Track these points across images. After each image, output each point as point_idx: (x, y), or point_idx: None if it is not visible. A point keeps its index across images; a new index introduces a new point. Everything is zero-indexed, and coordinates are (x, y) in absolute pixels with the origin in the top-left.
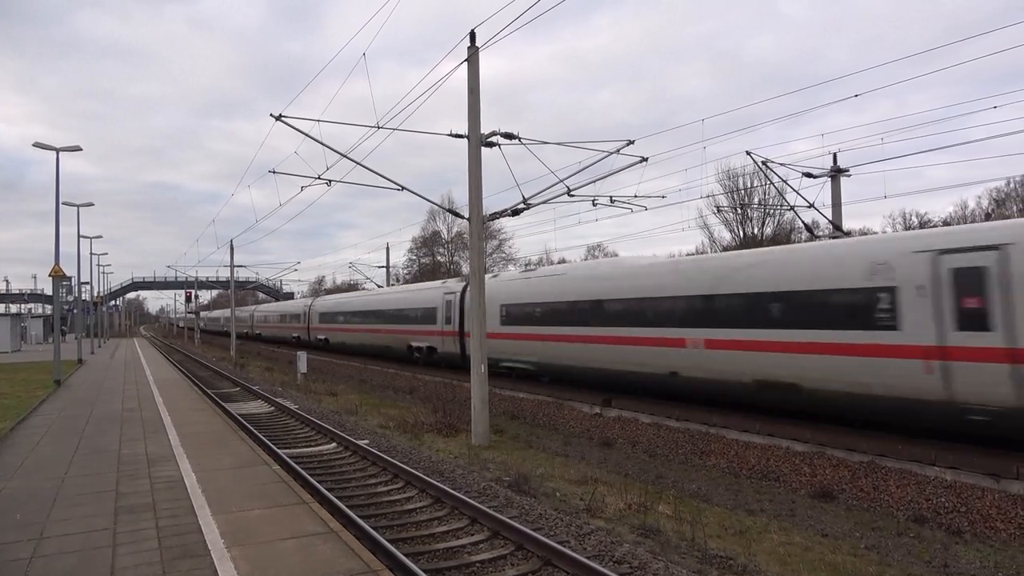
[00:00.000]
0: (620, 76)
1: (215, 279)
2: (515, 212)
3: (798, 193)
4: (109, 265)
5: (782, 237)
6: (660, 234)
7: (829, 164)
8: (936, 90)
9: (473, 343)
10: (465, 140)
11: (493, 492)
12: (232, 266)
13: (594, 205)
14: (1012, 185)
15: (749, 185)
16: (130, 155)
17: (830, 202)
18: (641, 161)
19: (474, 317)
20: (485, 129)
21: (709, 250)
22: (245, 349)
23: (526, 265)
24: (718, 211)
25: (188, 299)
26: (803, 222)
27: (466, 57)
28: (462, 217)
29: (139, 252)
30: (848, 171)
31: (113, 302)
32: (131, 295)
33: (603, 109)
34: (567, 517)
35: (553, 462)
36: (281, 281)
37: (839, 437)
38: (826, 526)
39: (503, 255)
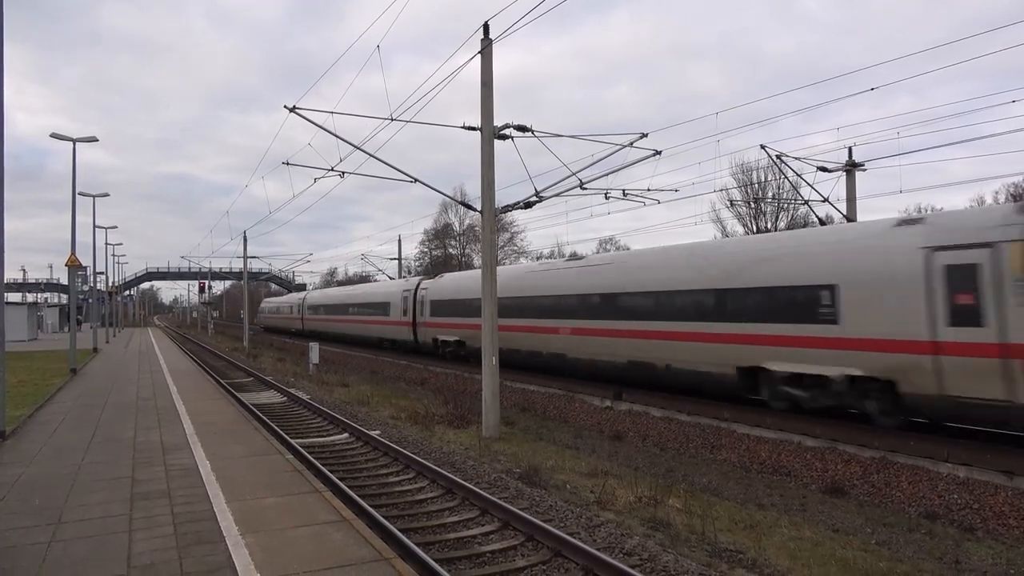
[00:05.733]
0: (636, 72)
1: (228, 270)
2: (527, 205)
3: (812, 187)
4: (124, 256)
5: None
6: (673, 228)
7: (845, 158)
8: (958, 84)
9: (484, 336)
10: (478, 133)
11: (503, 484)
12: (245, 257)
13: (607, 198)
14: None
15: (763, 179)
16: (146, 147)
17: (845, 196)
18: (654, 155)
19: (485, 308)
20: (498, 122)
21: None
22: (258, 340)
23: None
24: (731, 205)
25: (201, 289)
26: (817, 216)
27: (480, 50)
28: (474, 209)
29: (153, 243)
30: (863, 165)
31: (128, 292)
32: (145, 285)
33: (618, 105)
34: (577, 509)
35: (563, 455)
36: (293, 273)
37: (851, 433)
38: (837, 521)
39: (515, 248)
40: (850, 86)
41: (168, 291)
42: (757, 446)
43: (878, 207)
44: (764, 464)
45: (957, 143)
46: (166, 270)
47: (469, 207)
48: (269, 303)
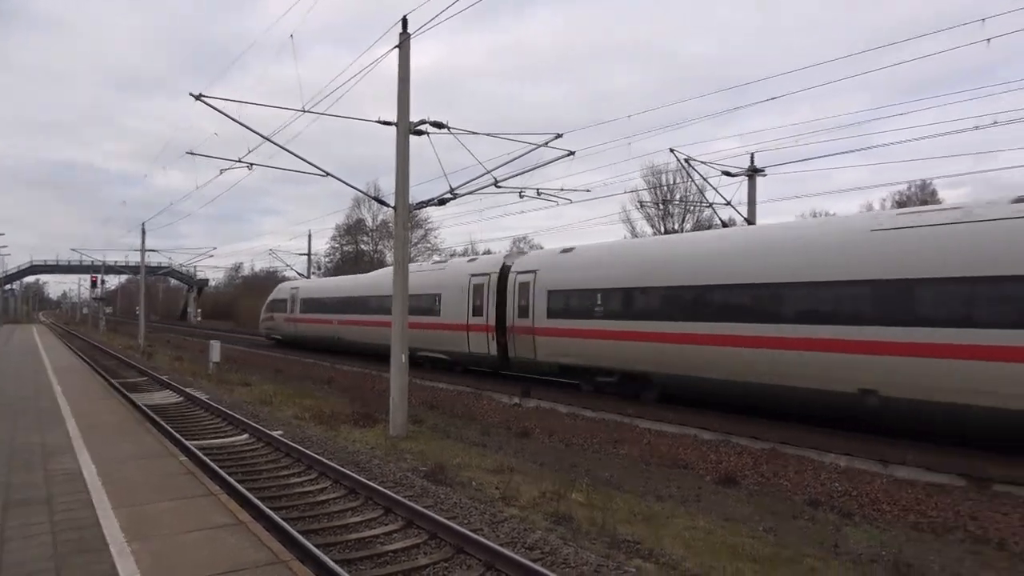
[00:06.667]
0: (556, 72)
1: (124, 263)
2: (442, 202)
3: (717, 191)
4: (5, 247)
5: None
6: (587, 227)
7: (748, 164)
8: (854, 95)
9: (394, 333)
10: (394, 128)
11: (409, 482)
12: (143, 250)
13: (521, 197)
14: (912, 189)
15: (671, 182)
16: (36, 130)
17: (747, 200)
18: (568, 155)
19: (395, 306)
20: (415, 117)
21: None
22: (154, 338)
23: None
24: (641, 206)
25: (94, 284)
26: (720, 219)
27: (397, 44)
28: (387, 205)
29: (40, 233)
30: (764, 171)
31: (9, 286)
32: (30, 279)
33: (538, 104)
34: (482, 506)
35: (470, 452)
36: (195, 267)
37: (745, 426)
38: (729, 510)
39: (428, 245)
40: (757, 93)
41: (56, 286)
42: (658, 440)
43: (780, 210)
44: (663, 457)
45: (850, 152)
46: (54, 263)
47: (382, 203)
48: (309, 290)
